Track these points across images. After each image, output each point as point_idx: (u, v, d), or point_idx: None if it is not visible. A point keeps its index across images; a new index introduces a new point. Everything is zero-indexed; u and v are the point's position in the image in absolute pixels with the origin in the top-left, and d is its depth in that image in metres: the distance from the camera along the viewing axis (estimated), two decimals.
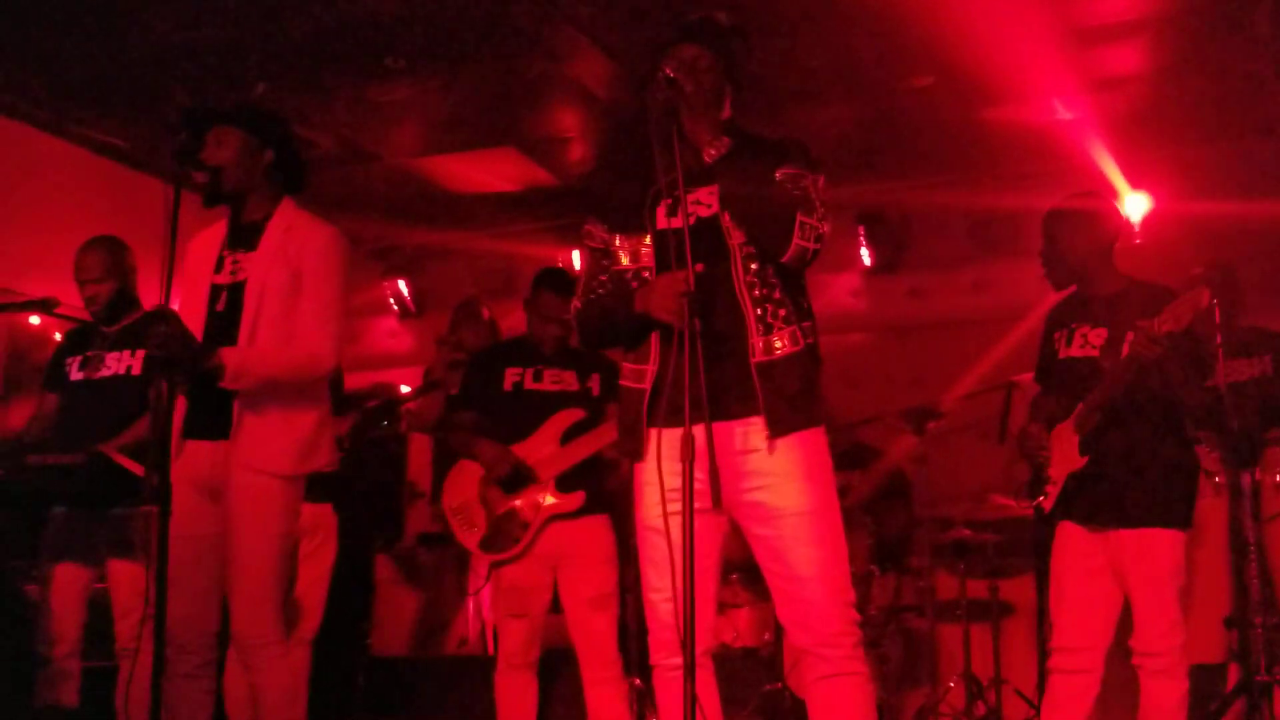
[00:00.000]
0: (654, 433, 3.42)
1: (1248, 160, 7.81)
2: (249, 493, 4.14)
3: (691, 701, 3.02)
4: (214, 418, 4.18)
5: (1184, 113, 7.61)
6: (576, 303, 3.75)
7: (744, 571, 6.73)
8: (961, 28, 6.40)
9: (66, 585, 5.10)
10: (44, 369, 5.64)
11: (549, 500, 5.18)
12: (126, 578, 5.05)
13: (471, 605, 7.57)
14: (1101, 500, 4.49)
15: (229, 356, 4.07)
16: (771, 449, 3.40)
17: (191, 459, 4.22)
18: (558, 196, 9.02)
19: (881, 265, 8.96)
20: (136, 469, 4.76)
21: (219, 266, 4.32)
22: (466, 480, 5.41)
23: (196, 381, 4.13)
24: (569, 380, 5.30)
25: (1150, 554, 4.41)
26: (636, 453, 3.54)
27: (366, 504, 7.00)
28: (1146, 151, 7.89)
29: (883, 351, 8.78)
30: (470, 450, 5.40)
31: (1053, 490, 4.63)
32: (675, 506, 3.17)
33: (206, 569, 4.20)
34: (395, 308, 10.31)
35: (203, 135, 4.25)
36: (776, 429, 3.39)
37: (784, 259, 3.41)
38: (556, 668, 5.65)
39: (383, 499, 7.94)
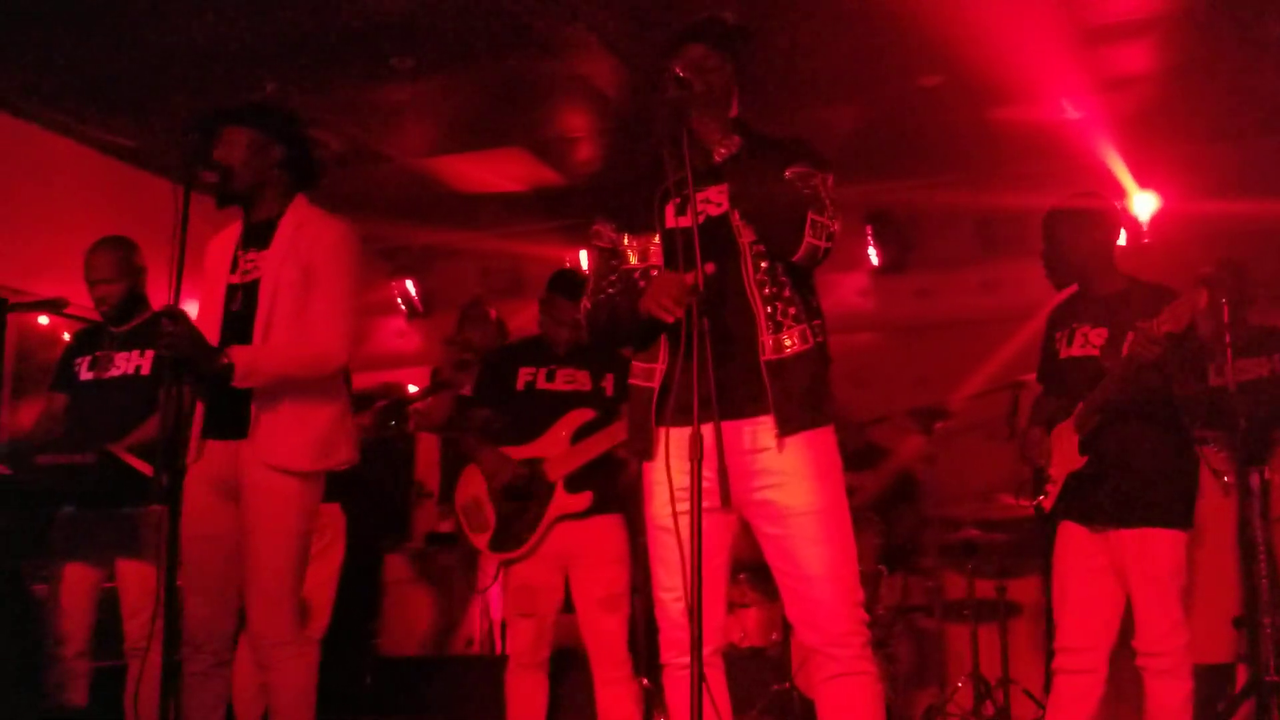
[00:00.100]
0: (663, 432, 3.42)
1: (1256, 159, 7.80)
2: (266, 491, 4.14)
3: (699, 699, 3.02)
4: (231, 417, 4.19)
5: (1192, 112, 7.61)
6: (585, 302, 3.75)
7: (752, 571, 6.74)
8: (970, 27, 6.40)
9: (76, 585, 5.11)
10: (52, 369, 5.65)
11: (557, 500, 5.18)
12: (135, 577, 5.06)
13: (479, 605, 7.58)
14: (1102, 500, 4.50)
15: (238, 355, 4.08)
16: (781, 447, 3.40)
17: (210, 459, 4.24)
18: (565, 197, 9.02)
19: (889, 265, 8.95)
20: (145, 469, 4.76)
21: (234, 266, 4.33)
22: (477, 479, 5.42)
23: (207, 381, 4.14)
24: (582, 380, 5.30)
25: (1150, 554, 4.41)
26: (646, 452, 3.54)
27: (374, 504, 7.00)
28: (1155, 151, 7.89)
29: (890, 351, 8.78)
30: (474, 456, 5.41)
31: (1053, 490, 4.64)
32: (685, 505, 3.17)
33: (224, 569, 4.21)
34: (403, 308, 10.32)
35: (213, 136, 4.26)
36: (786, 427, 3.39)
37: (795, 257, 3.40)
38: (567, 667, 5.65)
39: (391, 499, 7.95)
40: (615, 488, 5.25)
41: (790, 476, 3.40)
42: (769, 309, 3.44)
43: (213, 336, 4.22)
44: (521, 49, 6.86)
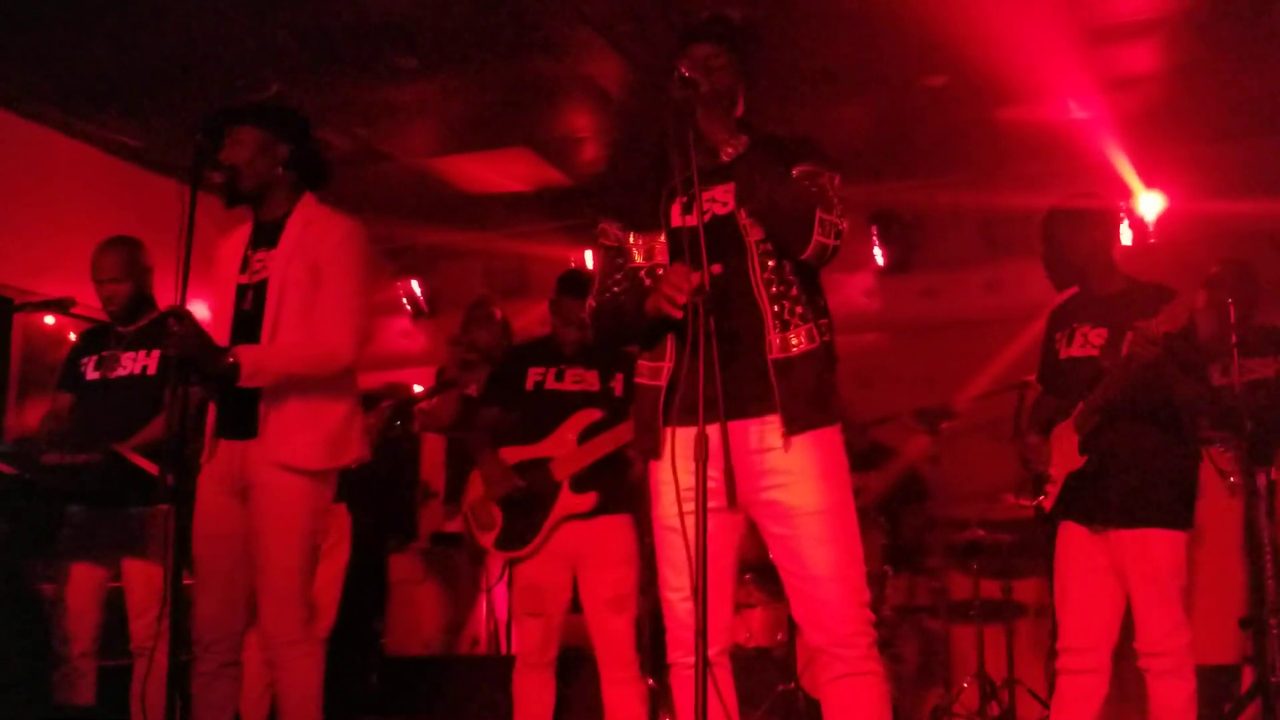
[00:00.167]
0: (670, 431, 3.41)
1: (1262, 159, 7.79)
2: (275, 490, 4.14)
3: (703, 699, 3.02)
4: (242, 417, 4.19)
5: (1198, 112, 7.60)
6: (591, 301, 3.75)
7: (757, 571, 6.74)
8: (976, 27, 6.40)
9: (82, 584, 5.11)
10: (58, 369, 5.65)
11: (562, 500, 5.18)
12: (141, 577, 5.06)
13: (484, 605, 7.58)
14: (1101, 501, 4.51)
15: (244, 355, 4.08)
16: (787, 447, 3.39)
17: (221, 458, 4.25)
18: (570, 197, 9.02)
19: (895, 265, 8.95)
20: (151, 469, 4.77)
21: (244, 266, 4.33)
22: None
23: (213, 382, 4.14)
24: (590, 380, 5.30)
25: (1150, 554, 4.41)
26: (653, 451, 3.53)
27: (380, 504, 7.01)
28: (1161, 151, 7.88)
29: (896, 351, 8.77)
30: (477, 460, 5.41)
31: (1052, 490, 4.65)
32: (691, 506, 3.17)
33: (233, 568, 4.22)
34: (408, 308, 10.32)
35: (220, 136, 4.26)
36: (793, 426, 3.39)
37: (804, 256, 3.40)
38: (575, 667, 5.65)
39: (396, 499, 7.96)
40: (623, 488, 5.24)
41: (797, 476, 3.39)
42: (776, 308, 3.44)
43: (224, 337, 4.23)
44: (526, 49, 6.87)
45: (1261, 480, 5.32)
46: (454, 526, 7.89)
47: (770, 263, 3.46)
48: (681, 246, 3.39)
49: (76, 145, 8.01)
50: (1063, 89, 7.26)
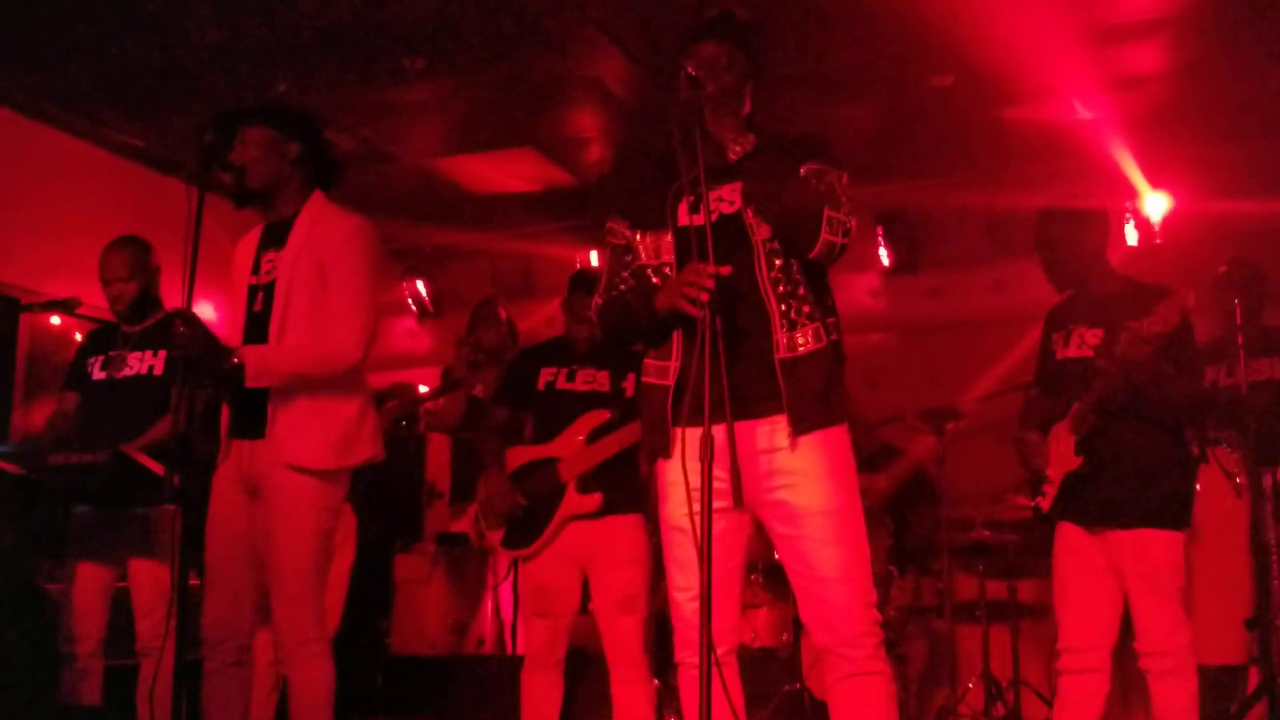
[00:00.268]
0: (679, 431, 3.41)
1: (1269, 159, 7.78)
2: (285, 490, 4.15)
3: (708, 698, 3.02)
4: (252, 417, 4.20)
5: (1205, 112, 7.59)
6: (598, 299, 3.74)
7: (763, 571, 6.74)
8: (982, 27, 6.39)
9: (89, 584, 5.12)
10: (64, 369, 5.66)
11: (567, 501, 5.17)
12: (148, 577, 5.08)
13: (490, 605, 7.59)
14: (1098, 501, 4.52)
15: (249, 355, 4.09)
16: (794, 447, 3.39)
17: (235, 458, 4.27)
18: (576, 197, 9.02)
19: (900, 265, 8.94)
20: (158, 469, 4.78)
21: (255, 267, 4.34)
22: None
23: (220, 382, 4.15)
24: (601, 381, 5.28)
25: (1148, 555, 4.43)
26: (663, 450, 3.53)
27: (385, 504, 7.02)
28: (1167, 151, 7.87)
29: (902, 352, 8.76)
30: (485, 472, 5.41)
31: (1050, 490, 4.65)
32: (699, 506, 3.16)
33: (243, 567, 4.23)
34: (414, 308, 10.33)
35: (227, 136, 4.27)
36: (799, 426, 3.39)
37: (813, 254, 3.39)
38: (584, 668, 5.65)
39: (402, 499, 7.97)
40: (634, 487, 5.21)
41: (804, 476, 3.39)
42: (782, 307, 3.44)
43: (236, 338, 4.25)
44: (532, 49, 6.87)
45: (1267, 481, 5.32)
46: (459, 527, 7.89)
47: (777, 261, 3.46)
48: (689, 245, 3.39)
49: (82, 145, 8.02)
50: (1069, 89, 7.25)
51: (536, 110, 7.80)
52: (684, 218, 3.51)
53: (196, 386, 4.01)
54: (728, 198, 3.51)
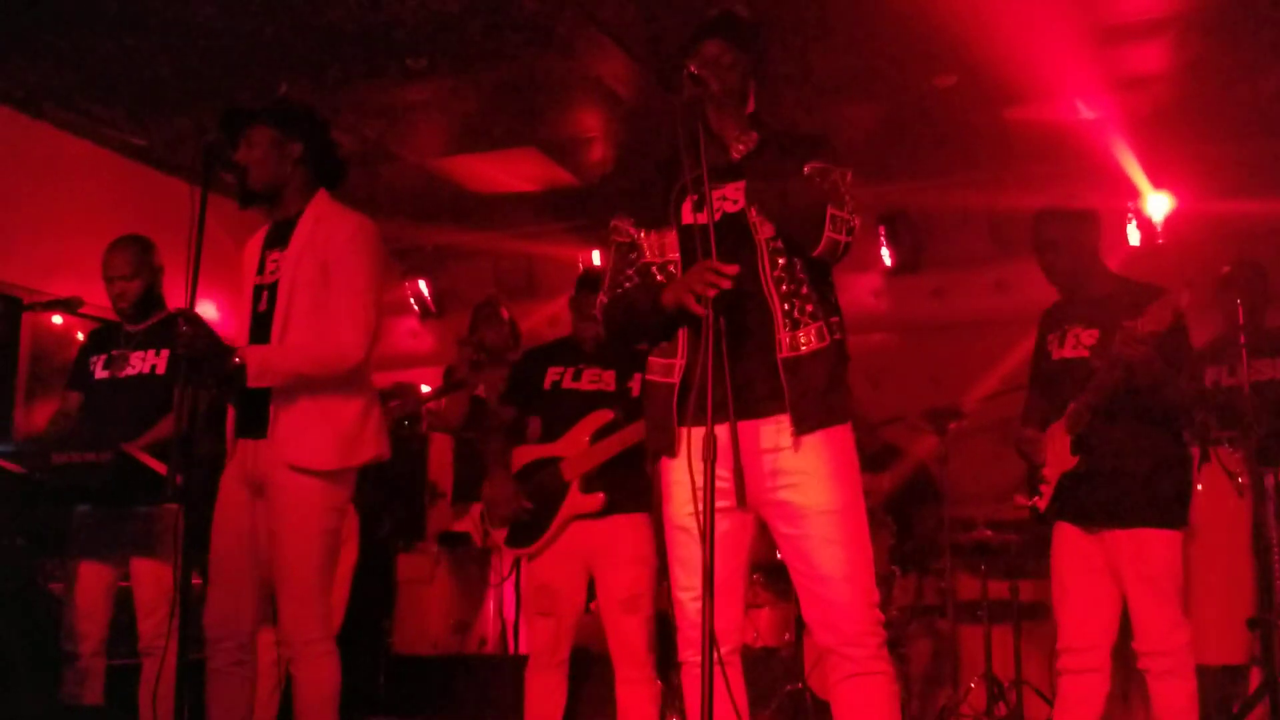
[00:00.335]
0: (685, 431, 3.40)
1: (1272, 159, 7.78)
2: (289, 491, 4.15)
3: (710, 697, 3.02)
4: (256, 416, 4.21)
5: (1207, 112, 7.59)
6: (603, 297, 3.73)
7: (765, 571, 6.74)
8: (984, 27, 6.39)
9: (91, 583, 5.12)
10: (66, 368, 5.66)
11: (570, 500, 5.17)
12: (150, 576, 5.07)
13: (492, 605, 7.59)
14: (1095, 501, 4.53)
15: (251, 355, 4.09)
16: (797, 447, 3.39)
17: (241, 457, 4.28)
18: (578, 197, 9.02)
19: (903, 265, 8.95)
20: (160, 468, 4.78)
21: (260, 267, 4.34)
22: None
23: (222, 382, 4.15)
24: (607, 380, 5.27)
25: (1145, 555, 4.44)
26: (668, 448, 3.53)
27: (388, 503, 7.02)
28: (1169, 150, 7.87)
29: (904, 352, 8.76)
30: (489, 475, 5.40)
31: (1046, 490, 4.66)
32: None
33: (246, 564, 4.24)
34: (416, 308, 10.33)
35: (230, 136, 4.27)
36: (802, 426, 3.38)
37: (816, 252, 3.39)
38: (589, 668, 5.64)
39: (404, 498, 7.97)
40: (640, 487, 5.20)
41: (807, 476, 3.39)
42: (785, 306, 3.43)
43: (243, 339, 4.25)
44: (535, 49, 6.87)
45: (1269, 481, 5.32)
46: (462, 526, 7.89)
47: (780, 260, 3.45)
48: (693, 244, 3.39)
49: (84, 145, 8.03)
50: (1071, 89, 7.26)
51: (538, 110, 7.80)
52: (688, 216, 3.51)
53: (199, 386, 4.01)
54: (731, 196, 3.51)
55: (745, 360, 3.35)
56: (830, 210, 3.35)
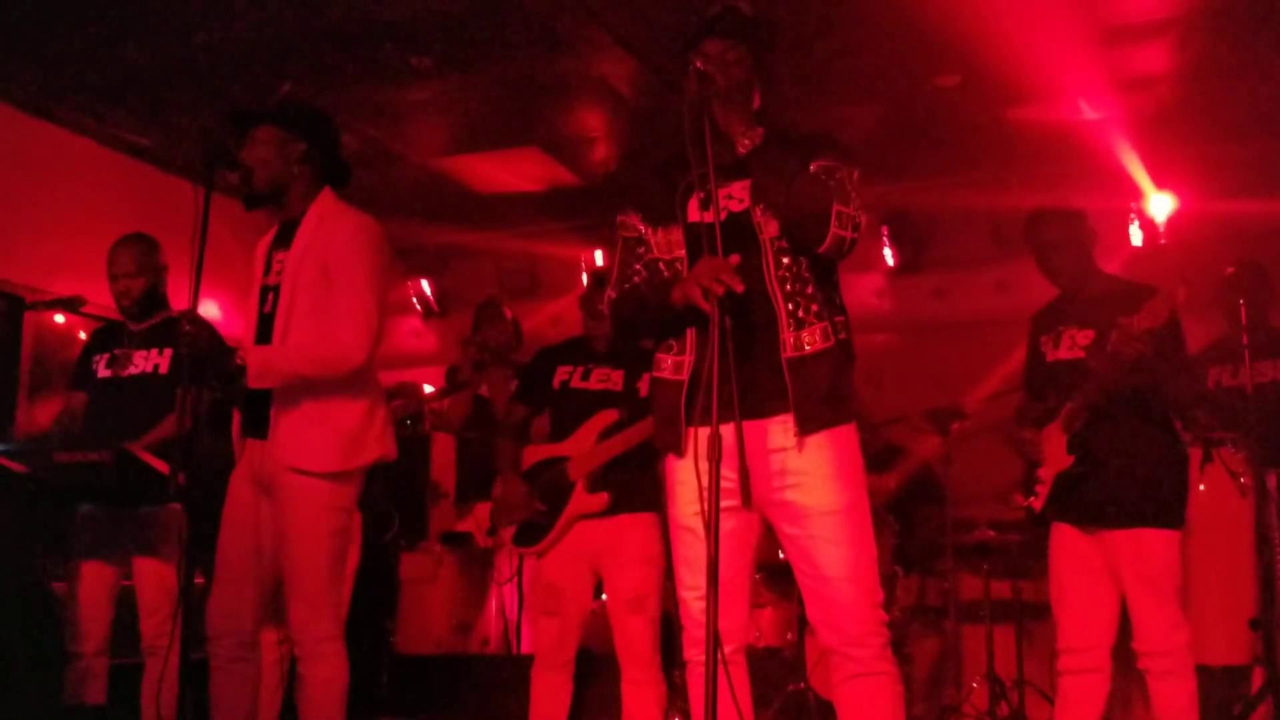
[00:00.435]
0: (693, 431, 3.39)
1: (1275, 159, 7.77)
2: (292, 492, 4.16)
3: (713, 698, 3.02)
4: (260, 416, 4.21)
5: (1210, 112, 7.58)
6: (611, 292, 3.72)
7: (767, 571, 6.74)
8: (987, 27, 6.39)
9: (94, 582, 5.12)
10: (68, 367, 5.66)
11: (575, 500, 5.17)
12: (153, 576, 5.07)
13: (494, 604, 7.59)
14: (1092, 501, 4.54)
15: (251, 355, 4.09)
16: (801, 447, 3.39)
17: (249, 456, 4.29)
18: (581, 197, 9.02)
19: (905, 265, 8.95)
20: (163, 467, 4.77)
21: (268, 268, 4.34)
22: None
23: (224, 382, 4.16)
24: (615, 380, 5.26)
25: (1144, 555, 4.44)
26: (675, 446, 3.52)
27: (390, 503, 7.02)
28: (1172, 151, 7.87)
29: (906, 352, 8.76)
30: (500, 478, 5.39)
31: (1042, 490, 4.66)
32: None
33: (249, 561, 4.25)
34: (419, 307, 10.33)
35: (234, 136, 4.27)
36: (806, 426, 3.38)
37: (821, 249, 3.37)
38: (596, 668, 5.64)
39: (406, 498, 7.96)
40: (647, 486, 5.18)
41: (811, 476, 3.39)
42: (790, 305, 3.43)
43: (251, 339, 4.26)
44: (538, 49, 6.87)
45: (1272, 481, 5.33)
46: (464, 526, 7.89)
47: (785, 260, 3.45)
48: (699, 241, 3.38)
49: (88, 144, 8.03)
50: (1074, 89, 7.25)
51: (542, 110, 7.80)
52: (694, 214, 3.50)
53: (202, 386, 4.01)
54: (737, 195, 3.50)
55: (750, 360, 3.35)
56: (836, 207, 3.34)
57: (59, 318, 7.60)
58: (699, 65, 3.40)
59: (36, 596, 5.63)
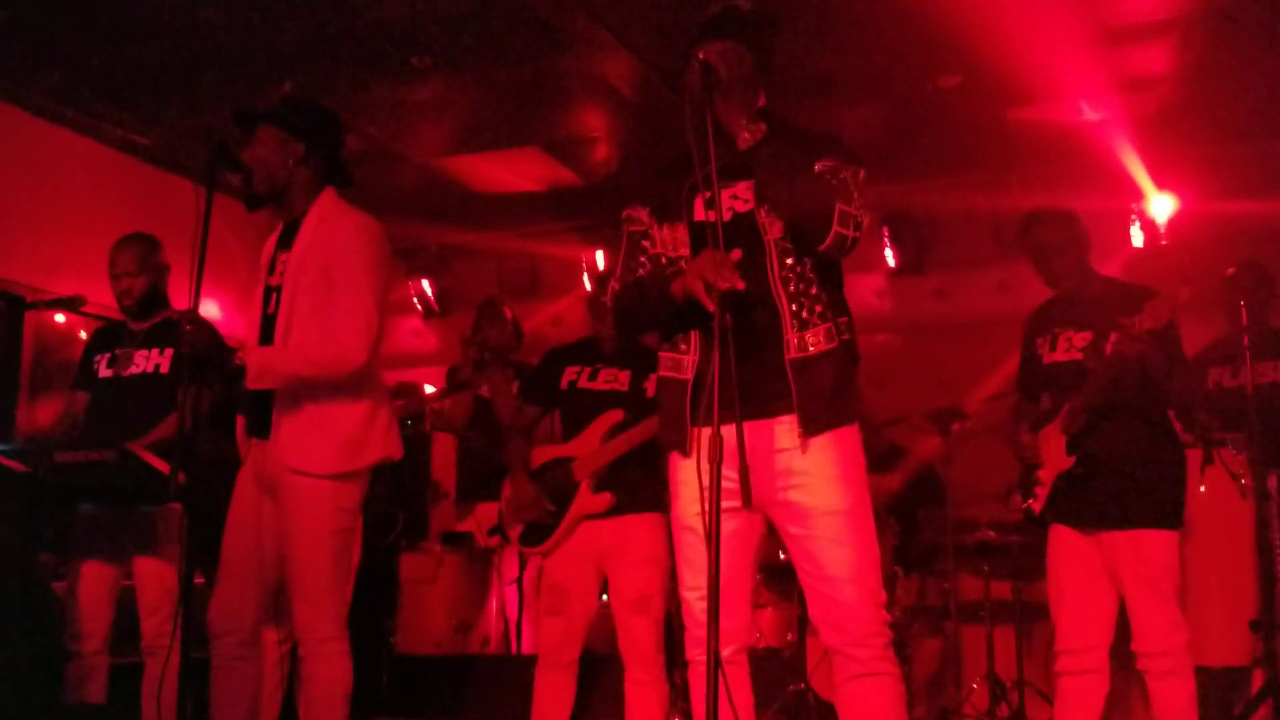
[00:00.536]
0: (698, 431, 3.37)
1: (1277, 160, 7.77)
2: (296, 493, 4.16)
3: (714, 698, 3.02)
4: (262, 417, 4.21)
5: (1211, 113, 7.58)
6: (614, 284, 3.71)
7: (767, 572, 6.74)
8: (989, 27, 6.39)
9: (94, 582, 5.12)
10: (68, 367, 5.66)
11: (580, 500, 5.16)
12: (153, 575, 5.08)
13: (494, 605, 7.59)
14: (1091, 502, 4.54)
15: (251, 356, 4.10)
16: (805, 447, 3.39)
17: (254, 456, 4.30)
18: (582, 197, 9.02)
19: (906, 266, 8.95)
20: (164, 467, 4.77)
21: (271, 268, 4.34)
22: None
23: (226, 382, 4.16)
24: (622, 380, 5.26)
25: (1144, 556, 4.44)
26: (680, 445, 3.52)
27: (394, 503, 7.02)
28: (1174, 151, 7.87)
29: (907, 352, 8.76)
30: (510, 479, 5.39)
31: (1041, 492, 4.65)
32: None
33: (251, 559, 4.25)
34: (419, 307, 10.33)
35: (235, 137, 4.27)
36: (810, 428, 3.38)
37: (823, 247, 3.35)
38: (600, 669, 5.64)
39: (407, 498, 7.96)
40: (653, 487, 5.16)
41: (814, 477, 3.38)
42: (794, 306, 3.42)
43: (255, 340, 4.26)
44: (539, 48, 6.87)
45: (1272, 482, 5.32)
46: (465, 526, 7.89)
47: (789, 260, 3.44)
48: (704, 240, 3.37)
49: (88, 143, 8.03)
50: (1076, 90, 7.25)
51: (542, 110, 7.81)
52: (700, 212, 3.50)
53: (203, 385, 4.02)
54: (742, 195, 3.49)
55: (753, 361, 3.34)
56: (838, 206, 3.33)
57: (59, 317, 7.60)
58: (701, 55, 3.38)
59: (37, 596, 5.63)
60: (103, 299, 5.51)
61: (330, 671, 4.19)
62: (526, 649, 7.10)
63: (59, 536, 5.30)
